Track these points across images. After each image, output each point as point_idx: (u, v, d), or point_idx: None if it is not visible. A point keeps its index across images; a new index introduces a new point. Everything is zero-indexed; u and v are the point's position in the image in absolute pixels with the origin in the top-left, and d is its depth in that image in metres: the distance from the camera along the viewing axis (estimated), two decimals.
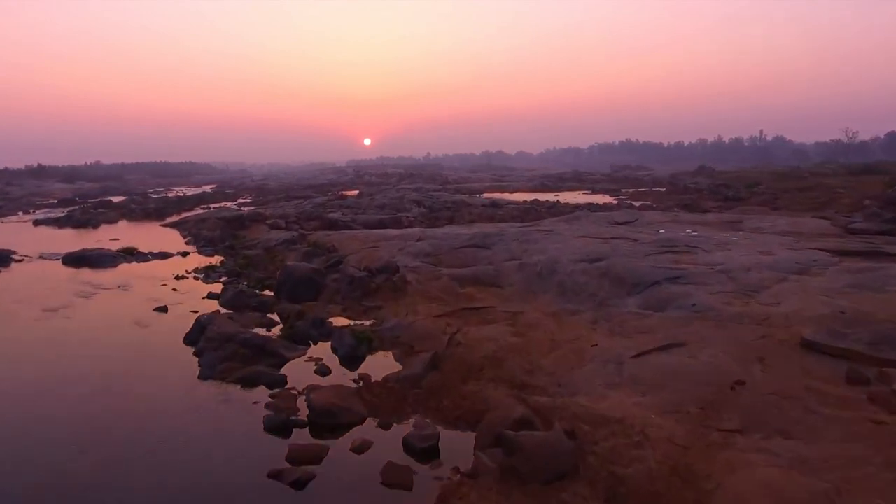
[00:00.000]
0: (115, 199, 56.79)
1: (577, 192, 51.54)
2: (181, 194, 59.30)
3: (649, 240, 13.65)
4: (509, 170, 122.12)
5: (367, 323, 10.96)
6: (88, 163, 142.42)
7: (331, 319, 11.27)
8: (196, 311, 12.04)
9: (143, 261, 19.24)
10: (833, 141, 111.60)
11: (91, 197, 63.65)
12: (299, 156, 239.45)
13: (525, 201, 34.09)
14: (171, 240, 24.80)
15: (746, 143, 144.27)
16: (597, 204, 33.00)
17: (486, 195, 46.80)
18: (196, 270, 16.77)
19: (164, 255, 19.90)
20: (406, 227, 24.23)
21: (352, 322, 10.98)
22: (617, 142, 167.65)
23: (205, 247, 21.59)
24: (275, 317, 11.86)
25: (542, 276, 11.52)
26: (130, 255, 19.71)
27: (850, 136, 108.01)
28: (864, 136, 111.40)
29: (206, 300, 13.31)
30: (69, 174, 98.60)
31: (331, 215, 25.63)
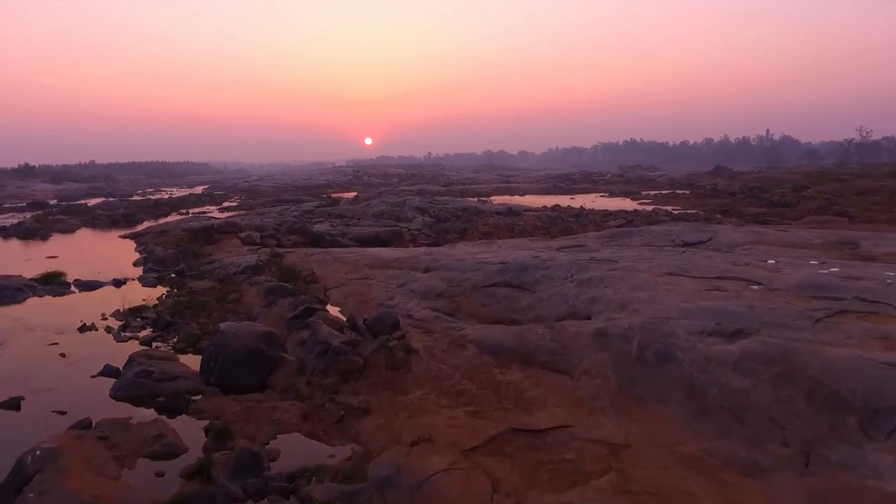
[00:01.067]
0: (95, 201, 51.91)
1: (594, 195, 46.65)
2: (166, 196, 54.51)
3: (782, 284, 8.73)
4: (513, 170, 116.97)
5: (343, 454, 6.06)
6: (83, 162, 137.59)
7: (277, 441, 6.38)
8: (63, 413, 7.19)
9: (61, 294, 14.28)
10: (847, 140, 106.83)
11: (73, 199, 58.96)
12: (300, 156, 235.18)
13: (544, 207, 29.16)
14: (120, 257, 19.88)
15: (753, 143, 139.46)
16: (627, 211, 28.09)
17: (495, 199, 41.99)
18: (117, 314, 11.86)
19: (92, 286, 14.94)
20: (408, 242, 19.39)
21: (313, 462, 6.03)
22: (621, 142, 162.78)
23: (152, 270, 16.66)
24: (191, 423, 6.98)
25: (646, 363, 6.62)
26: (48, 283, 14.79)
27: (864, 135, 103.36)
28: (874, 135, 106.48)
29: (95, 380, 8.39)
30: (59, 174, 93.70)
31: (317, 227, 20.71)
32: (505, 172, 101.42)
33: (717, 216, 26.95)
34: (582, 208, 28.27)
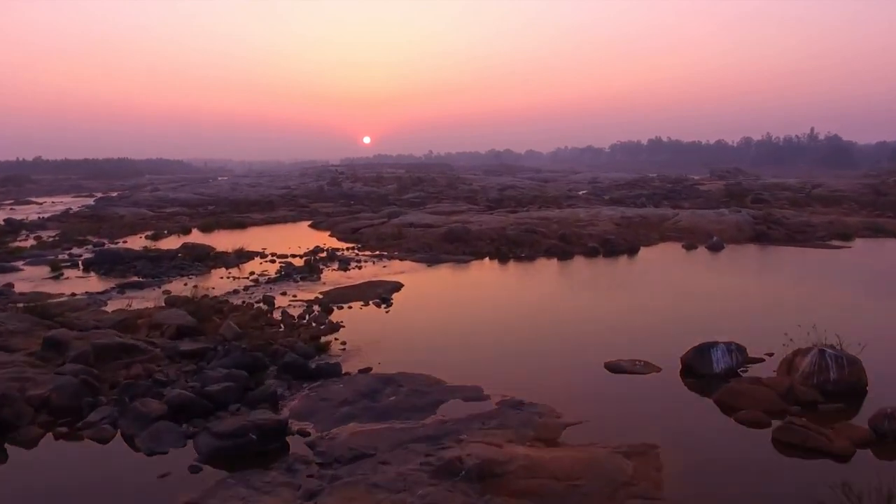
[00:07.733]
0: None
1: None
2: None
3: None
4: (535, 171, 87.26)
5: None
6: (24, 158, 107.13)
7: None
8: None
9: None
10: None
11: None
12: (297, 154, 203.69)
13: None
14: None
15: (803, 142, 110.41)
16: None
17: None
18: None
19: None
20: None
21: None
22: (646, 140, 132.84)
23: None
24: None
25: None
26: None
27: None
28: None
29: None
30: None
31: None
32: (529, 175, 72.34)
33: None
34: None
